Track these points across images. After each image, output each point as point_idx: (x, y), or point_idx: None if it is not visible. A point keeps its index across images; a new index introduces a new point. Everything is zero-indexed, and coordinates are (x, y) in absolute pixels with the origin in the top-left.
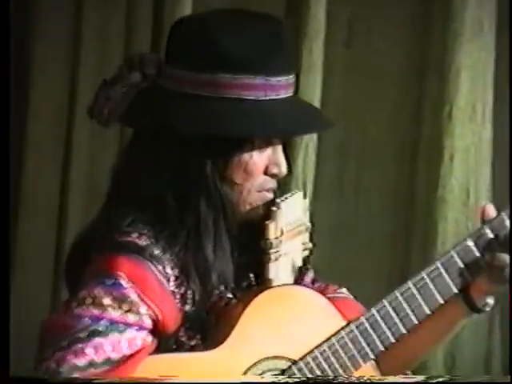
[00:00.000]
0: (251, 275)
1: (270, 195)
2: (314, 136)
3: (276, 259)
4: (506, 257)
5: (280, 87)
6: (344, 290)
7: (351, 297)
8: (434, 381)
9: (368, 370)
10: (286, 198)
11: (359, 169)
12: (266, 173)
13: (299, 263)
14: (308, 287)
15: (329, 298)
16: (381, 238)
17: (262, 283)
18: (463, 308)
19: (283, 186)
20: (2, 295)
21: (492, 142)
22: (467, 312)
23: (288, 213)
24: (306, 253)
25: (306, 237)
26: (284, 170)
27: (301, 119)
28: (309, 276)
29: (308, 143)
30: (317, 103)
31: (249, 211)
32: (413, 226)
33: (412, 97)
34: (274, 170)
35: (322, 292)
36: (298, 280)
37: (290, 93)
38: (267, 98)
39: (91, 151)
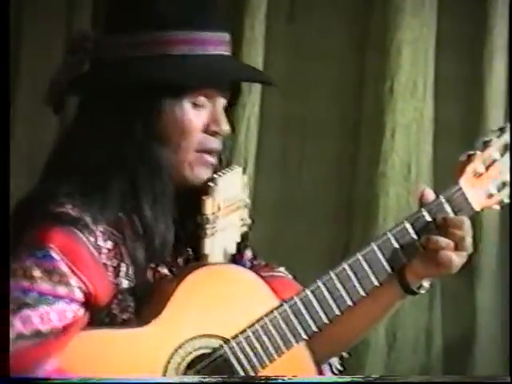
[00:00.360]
0: (188, 250)
1: (212, 159)
2: (257, 110)
3: (212, 234)
4: (441, 239)
5: (209, 42)
6: (282, 269)
7: (289, 276)
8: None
9: (300, 350)
10: (224, 174)
11: (302, 144)
12: (205, 131)
13: (237, 239)
14: (246, 265)
15: (266, 277)
16: (323, 212)
17: (198, 258)
18: (398, 290)
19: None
20: (1, 295)
21: (433, 118)
22: (402, 294)
23: (226, 188)
24: (245, 229)
25: (244, 213)
26: (225, 127)
27: (235, 68)
28: (248, 253)
29: (250, 117)
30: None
31: (189, 175)
32: (355, 201)
33: (354, 72)
34: (214, 128)
35: (260, 270)
36: (238, 257)
37: (221, 50)
38: (197, 52)
39: None
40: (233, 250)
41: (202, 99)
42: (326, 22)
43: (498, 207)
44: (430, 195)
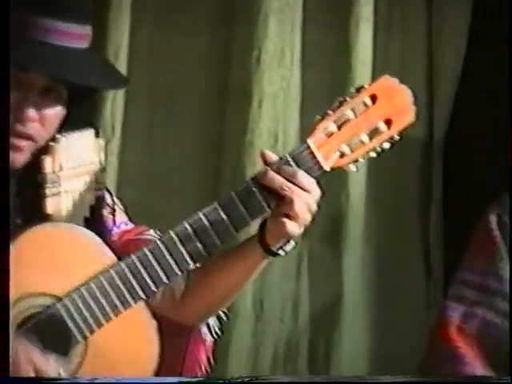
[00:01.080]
0: (32, 211)
1: (21, 143)
2: None
3: (56, 195)
4: (288, 193)
5: (59, 32)
6: (151, 231)
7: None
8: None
9: (140, 310)
10: (69, 135)
11: (168, 114)
12: (14, 115)
13: (91, 202)
14: (112, 228)
15: (134, 239)
16: (190, 182)
17: (41, 218)
18: (260, 251)
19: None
20: (1, 295)
21: (300, 87)
22: (263, 254)
23: (70, 149)
24: (101, 193)
25: (99, 177)
26: (29, 114)
27: (72, 66)
28: (117, 217)
29: None
30: (125, 48)
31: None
32: (222, 170)
33: (220, 41)
34: (19, 113)
35: (129, 233)
36: (107, 221)
37: (73, 43)
38: (48, 40)
39: None
40: (86, 213)
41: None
42: None
43: (353, 168)
44: (271, 155)
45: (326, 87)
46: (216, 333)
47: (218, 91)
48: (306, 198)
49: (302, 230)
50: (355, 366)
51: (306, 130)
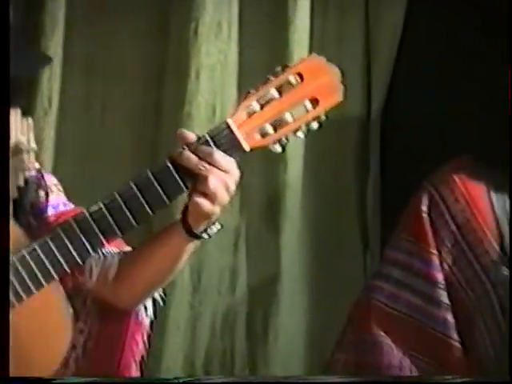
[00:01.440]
0: None
1: None
2: (59, 51)
3: None
4: (204, 172)
5: None
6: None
7: None
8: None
9: (54, 295)
10: None
11: (106, 86)
12: None
13: (18, 183)
14: (47, 210)
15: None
16: (128, 154)
17: None
18: (183, 235)
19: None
20: (1, 295)
21: (238, 61)
22: (188, 238)
23: None
24: (32, 174)
25: (28, 157)
26: None
27: None
28: (53, 198)
29: (53, 58)
30: (61, 21)
31: None
32: (160, 143)
33: (158, 13)
34: None
35: (66, 214)
36: (41, 202)
37: None
38: None
39: None
40: (14, 194)
41: None
42: None
43: (278, 148)
44: (190, 135)
45: (263, 61)
46: (153, 315)
47: (156, 63)
48: (222, 177)
49: (219, 210)
50: (293, 338)
51: None
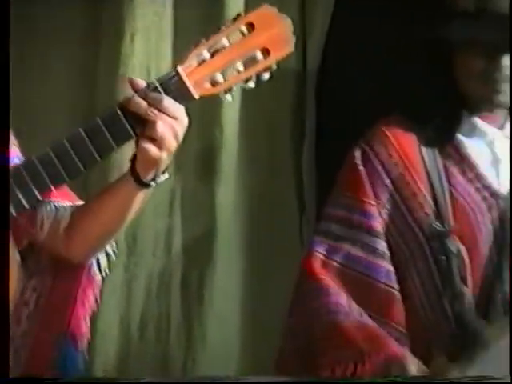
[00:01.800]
0: None
1: None
2: None
3: None
4: (152, 117)
5: None
6: None
7: None
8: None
9: None
10: None
11: (43, 48)
12: None
13: None
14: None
15: None
16: (64, 116)
17: None
18: (132, 184)
19: None
20: (1, 295)
21: (172, 22)
22: (136, 187)
23: None
24: None
25: None
26: None
27: None
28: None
29: None
30: None
31: None
32: (95, 104)
33: None
34: None
35: None
36: None
37: None
38: None
39: None
40: None
41: None
42: None
43: (228, 97)
44: (139, 81)
45: (198, 23)
46: (105, 271)
47: (91, 26)
48: (170, 123)
49: (167, 157)
50: (228, 298)
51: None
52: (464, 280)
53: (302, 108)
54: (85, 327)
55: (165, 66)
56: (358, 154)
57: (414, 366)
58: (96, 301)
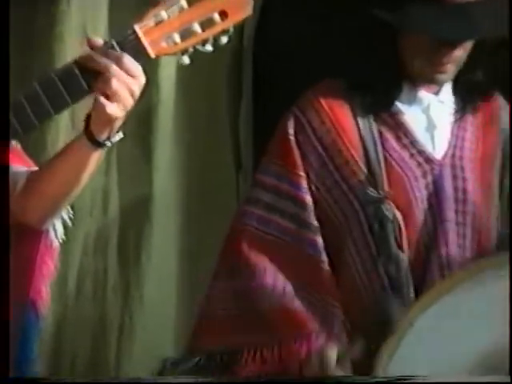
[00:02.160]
0: None
1: None
2: None
3: None
4: (108, 73)
5: None
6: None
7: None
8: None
9: None
10: None
11: None
12: None
13: None
14: None
15: None
16: None
17: None
18: (87, 143)
19: None
20: (1, 295)
21: None
22: (91, 147)
23: None
24: None
25: None
26: None
27: None
28: None
29: None
30: None
31: None
32: (33, 64)
33: None
34: None
35: None
36: None
37: None
38: None
39: None
40: None
41: None
42: None
43: (185, 59)
44: (97, 40)
45: None
46: (62, 237)
47: None
48: (126, 80)
49: (122, 114)
50: (165, 257)
51: (115, 24)
52: (400, 246)
53: (239, 68)
54: (45, 294)
55: (101, 27)
56: (290, 121)
57: (332, 353)
58: (55, 268)
